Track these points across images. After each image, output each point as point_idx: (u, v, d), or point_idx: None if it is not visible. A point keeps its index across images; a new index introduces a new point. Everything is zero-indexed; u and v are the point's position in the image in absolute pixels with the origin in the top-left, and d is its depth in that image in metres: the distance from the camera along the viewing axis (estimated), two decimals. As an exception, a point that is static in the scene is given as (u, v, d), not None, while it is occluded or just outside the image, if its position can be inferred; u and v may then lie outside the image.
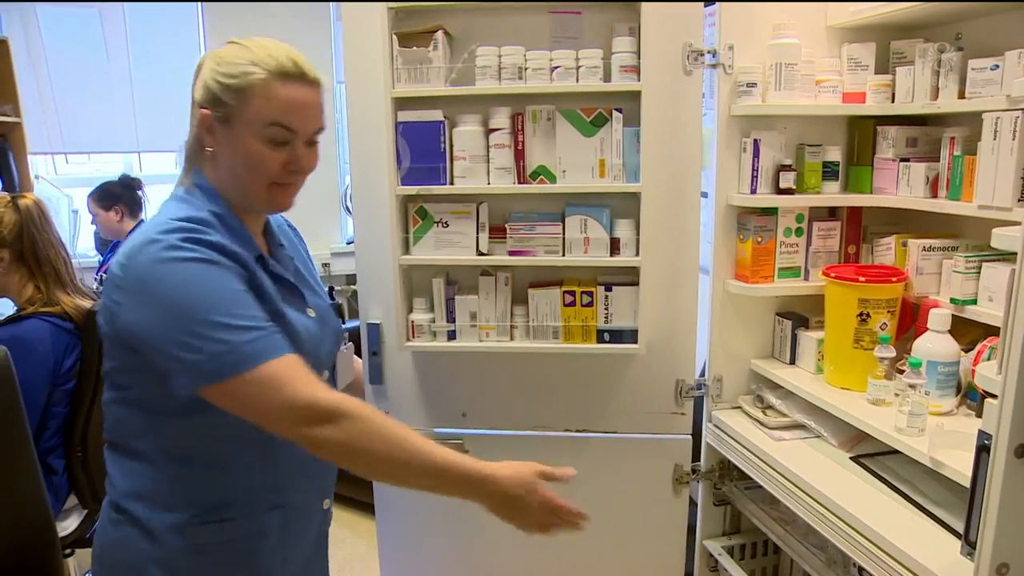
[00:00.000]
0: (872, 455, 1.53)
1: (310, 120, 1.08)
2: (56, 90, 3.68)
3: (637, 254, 1.67)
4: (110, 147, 3.86)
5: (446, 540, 2.00)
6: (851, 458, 1.53)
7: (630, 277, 1.71)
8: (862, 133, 1.73)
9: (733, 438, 1.74)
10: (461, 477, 1.05)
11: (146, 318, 0.98)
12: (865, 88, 1.67)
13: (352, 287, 3.39)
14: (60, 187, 3.69)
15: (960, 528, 1.21)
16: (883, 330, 1.56)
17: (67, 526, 1.90)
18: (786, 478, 1.53)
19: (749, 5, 1.68)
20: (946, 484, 1.36)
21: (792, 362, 1.79)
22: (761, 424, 1.70)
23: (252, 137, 1.06)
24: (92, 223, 3.31)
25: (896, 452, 1.47)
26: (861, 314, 1.57)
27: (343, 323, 1.32)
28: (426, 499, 1.90)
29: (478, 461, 1.07)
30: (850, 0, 1.66)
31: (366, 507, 2.40)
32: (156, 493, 1.09)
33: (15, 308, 1.88)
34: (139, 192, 3.32)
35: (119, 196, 3.24)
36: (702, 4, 1.70)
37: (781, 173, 1.69)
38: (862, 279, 1.57)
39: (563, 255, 1.70)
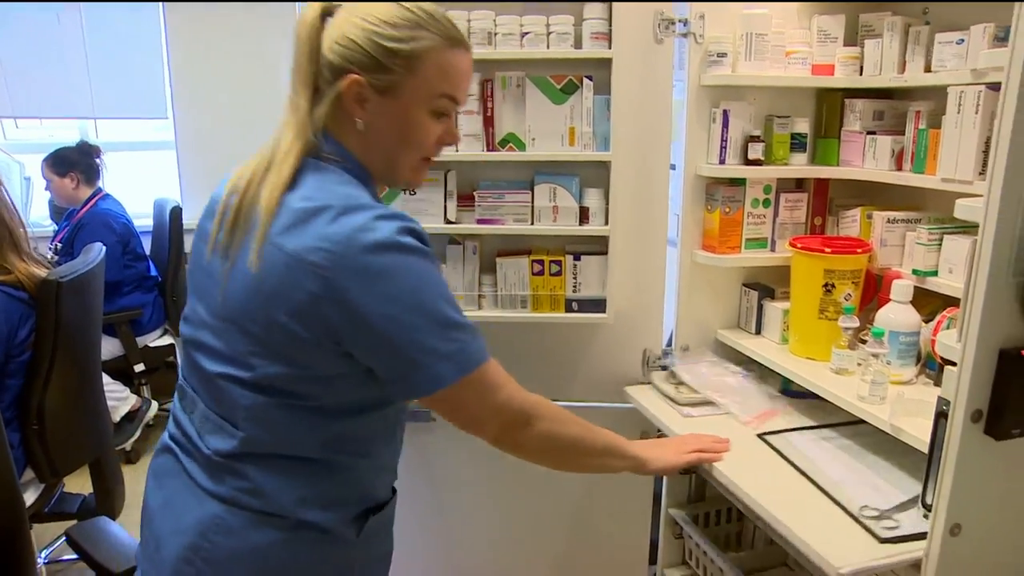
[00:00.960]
0: (778, 432, 1.54)
1: (467, 90, 1.05)
2: (2, 51, 3.52)
3: (606, 223, 1.67)
4: (63, 112, 3.71)
5: (415, 507, 2.00)
6: (757, 435, 1.53)
7: (599, 246, 1.70)
8: (830, 105, 1.74)
9: (643, 415, 1.73)
10: (625, 456, 1.24)
11: (377, 313, 0.90)
12: (834, 60, 1.68)
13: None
14: (10, 153, 3.56)
15: (853, 506, 1.25)
16: (847, 301, 1.58)
17: (24, 500, 1.86)
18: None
19: (721, -26, 1.67)
20: (846, 462, 1.41)
21: (758, 332, 1.81)
22: (672, 400, 1.69)
23: (418, 109, 0.99)
24: (46, 189, 3.21)
25: (802, 429, 1.54)
26: (826, 285, 1.59)
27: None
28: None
29: (631, 442, 1.26)
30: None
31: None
32: (329, 493, 1.02)
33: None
34: (97, 160, 3.22)
35: (75, 163, 3.14)
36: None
37: (750, 144, 1.69)
38: (828, 250, 1.59)
39: (532, 224, 1.68)
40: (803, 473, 1.38)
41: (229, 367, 0.97)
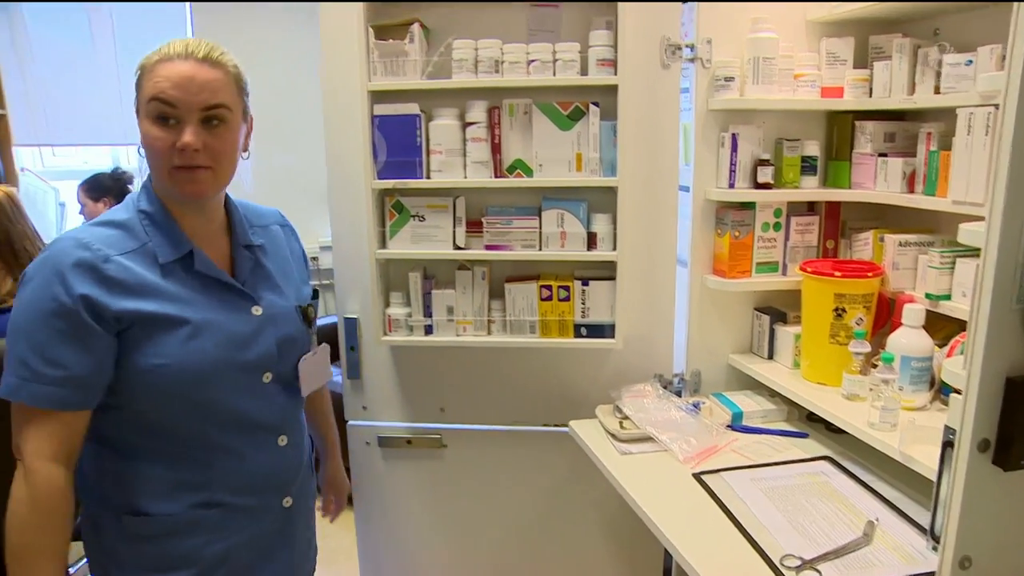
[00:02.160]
0: (715, 472, 1.49)
1: (193, 94, 1.06)
2: (42, 81, 3.66)
3: (614, 248, 1.67)
4: (97, 139, 3.83)
5: (425, 534, 2.00)
6: (693, 475, 1.49)
7: (607, 271, 1.70)
8: (840, 128, 1.72)
9: (583, 450, 1.67)
10: None
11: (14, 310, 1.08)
12: (843, 83, 1.67)
13: (340, 281, 3.38)
14: (47, 179, 3.68)
15: (776, 554, 1.21)
16: (859, 325, 1.56)
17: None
18: (628, 493, 1.46)
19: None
20: (782, 505, 1.37)
21: (770, 357, 1.79)
22: (613, 436, 1.64)
23: (144, 119, 1.08)
24: (80, 213, 3.31)
25: (742, 468, 1.50)
26: (837, 309, 1.57)
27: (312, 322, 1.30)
28: (400, 485, 1.89)
29: None
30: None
31: (350, 501, 2.39)
32: (98, 486, 1.15)
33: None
34: (129, 186, 3.31)
35: (108, 188, 3.24)
36: (680, -2, 1.70)
37: (759, 167, 1.69)
38: (838, 274, 1.57)
39: (540, 249, 1.69)
40: (731, 516, 1.33)
41: None
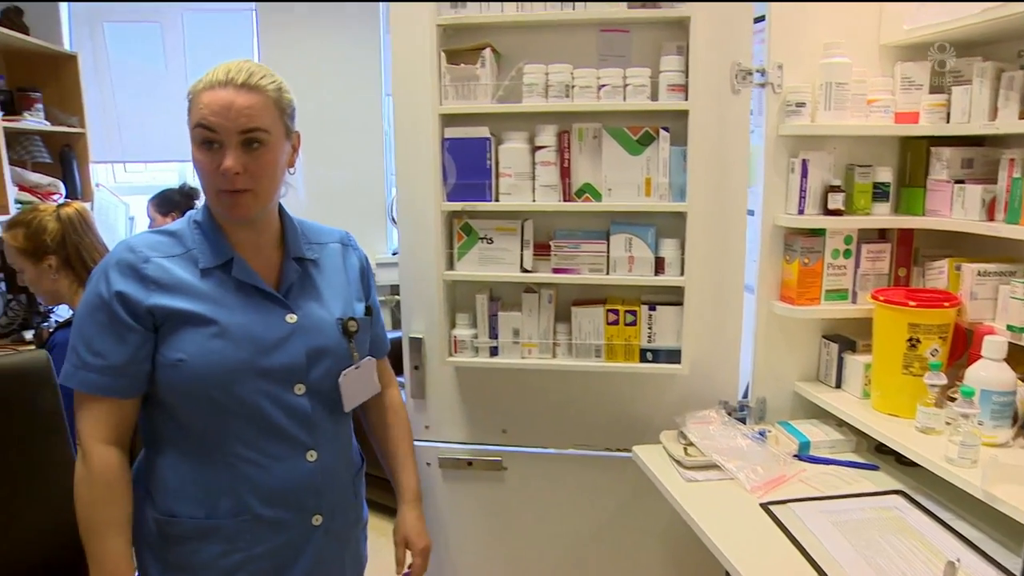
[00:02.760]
0: (783, 502, 1.46)
1: (232, 120, 1.12)
2: (118, 101, 3.82)
3: (682, 273, 1.66)
4: (166, 156, 3.98)
5: (484, 557, 2.01)
6: (760, 504, 1.45)
7: (674, 296, 1.69)
8: (915, 154, 1.69)
9: (647, 476, 1.65)
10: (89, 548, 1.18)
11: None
12: (919, 108, 1.64)
13: (396, 297, 3.43)
14: (118, 195, 3.82)
15: None
16: (934, 356, 1.52)
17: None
18: (695, 521, 1.44)
19: (799, 23, 1.66)
20: (853, 539, 1.33)
21: (838, 386, 1.76)
22: (678, 463, 1.62)
23: (193, 144, 1.15)
24: (149, 227, 3.43)
25: (812, 499, 1.45)
26: (911, 339, 1.53)
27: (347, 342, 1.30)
28: (460, 506, 1.90)
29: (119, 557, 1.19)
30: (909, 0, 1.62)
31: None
32: (138, 481, 1.24)
33: (71, 313, 1.95)
34: (196, 201, 3.42)
35: (177, 203, 3.35)
36: (751, 22, 1.69)
37: (830, 194, 1.66)
38: (912, 303, 1.53)
39: (607, 273, 1.69)
40: (801, 549, 1.30)
41: None
